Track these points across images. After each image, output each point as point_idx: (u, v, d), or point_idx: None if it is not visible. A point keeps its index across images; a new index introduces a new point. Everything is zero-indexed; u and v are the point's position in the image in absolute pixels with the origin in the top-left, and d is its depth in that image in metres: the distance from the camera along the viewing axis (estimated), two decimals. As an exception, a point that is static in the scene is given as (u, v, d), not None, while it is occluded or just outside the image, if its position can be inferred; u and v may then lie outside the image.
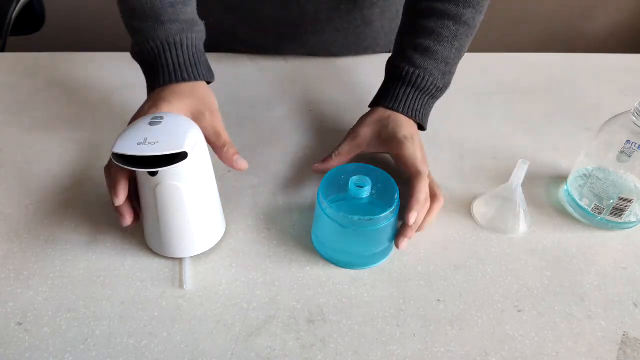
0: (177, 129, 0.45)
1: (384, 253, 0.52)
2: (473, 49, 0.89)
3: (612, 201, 0.54)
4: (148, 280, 0.49)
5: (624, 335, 0.47)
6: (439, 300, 0.49)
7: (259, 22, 0.79)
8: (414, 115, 0.60)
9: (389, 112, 0.60)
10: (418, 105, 0.60)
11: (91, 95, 0.73)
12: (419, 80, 0.59)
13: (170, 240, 0.49)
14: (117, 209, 0.48)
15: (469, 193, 0.60)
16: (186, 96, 0.54)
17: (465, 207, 0.59)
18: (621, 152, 0.53)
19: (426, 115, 0.62)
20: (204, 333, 0.45)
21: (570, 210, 0.59)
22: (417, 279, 0.51)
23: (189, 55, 0.56)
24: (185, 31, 0.56)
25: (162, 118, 0.45)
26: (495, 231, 0.56)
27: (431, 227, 0.56)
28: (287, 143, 0.66)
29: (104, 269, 0.50)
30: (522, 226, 0.56)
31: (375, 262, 0.52)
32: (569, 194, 0.59)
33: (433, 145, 0.67)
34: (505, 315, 0.48)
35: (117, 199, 0.47)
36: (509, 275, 0.51)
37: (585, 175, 0.57)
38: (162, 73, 0.55)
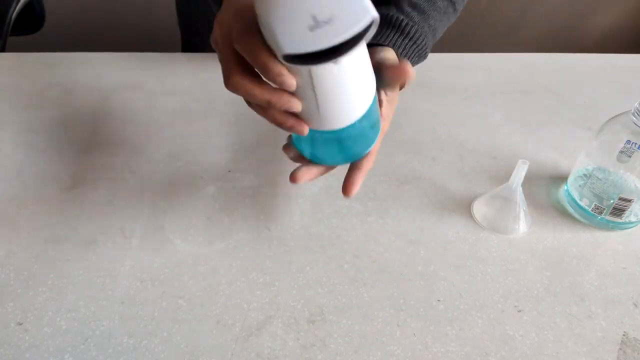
0: None
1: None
2: (473, 49, 0.89)
3: (612, 201, 0.54)
4: (148, 280, 0.49)
5: (624, 335, 0.47)
6: (439, 300, 0.49)
7: None
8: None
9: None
10: (415, 58, 0.57)
11: (91, 95, 0.73)
12: (417, 35, 0.56)
13: (330, 115, 0.40)
14: (277, 101, 0.39)
15: (469, 193, 0.60)
16: None
17: (465, 207, 0.59)
18: (621, 152, 0.53)
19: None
20: (204, 333, 0.45)
21: (570, 210, 0.59)
22: (417, 279, 0.51)
23: None
24: None
25: None
26: (495, 231, 0.56)
27: (431, 227, 0.56)
28: (287, 143, 0.66)
29: (104, 269, 0.50)
30: (522, 226, 0.56)
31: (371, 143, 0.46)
32: (569, 194, 0.59)
33: (433, 145, 0.67)
34: (505, 315, 0.48)
35: (286, 77, 0.36)
36: (509, 275, 0.51)
37: (585, 175, 0.57)
38: None
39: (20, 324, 0.45)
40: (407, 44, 0.56)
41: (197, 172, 0.61)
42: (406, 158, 0.65)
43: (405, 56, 0.56)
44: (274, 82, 0.37)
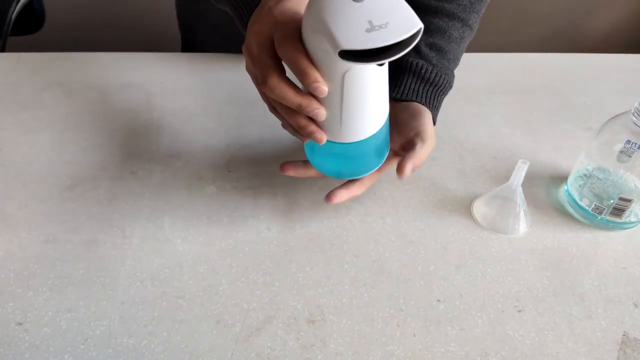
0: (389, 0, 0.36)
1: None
2: (473, 49, 0.89)
3: (612, 201, 0.54)
4: (148, 280, 0.49)
5: (624, 335, 0.47)
6: (439, 300, 0.49)
7: None
8: (431, 110, 0.59)
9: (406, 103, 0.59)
10: (436, 102, 0.60)
11: (91, 95, 0.73)
12: (438, 78, 0.60)
13: (351, 125, 0.44)
14: (307, 105, 0.42)
15: (469, 193, 0.60)
16: None
17: (465, 207, 0.59)
18: (621, 152, 0.53)
19: (438, 110, 0.61)
20: (204, 333, 0.45)
21: (570, 210, 0.59)
22: (417, 279, 0.51)
23: None
24: None
25: None
26: (495, 231, 0.56)
27: (431, 228, 0.56)
28: (287, 143, 0.66)
29: (104, 269, 0.50)
30: (522, 226, 0.56)
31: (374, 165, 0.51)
32: (569, 194, 0.59)
33: (433, 145, 0.67)
34: (505, 315, 0.48)
35: (321, 84, 0.40)
36: (509, 275, 0.51)
37: (585, 175, 0.57)
38: None
39: (20, 324, 0.45)
40: (428, 90, 0.59)
41: (197, 172, 0.61)
42: (406, 158, 0.65)
43: (427, 101, 0.58)
44: (309, 87, 0.40)
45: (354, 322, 0.47)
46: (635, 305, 0.49)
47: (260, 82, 0.44)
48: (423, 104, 0.58)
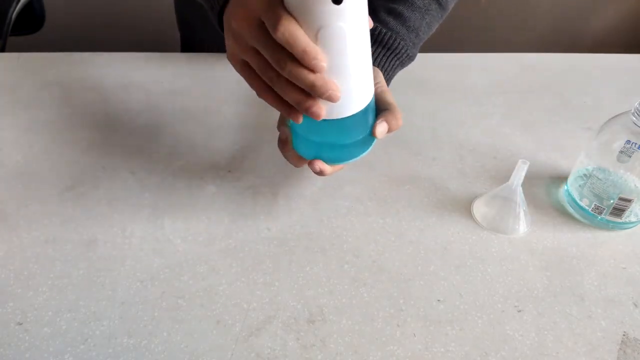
0: None
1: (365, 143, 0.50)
2: (473, 49, 0.89)
3: (612, 201, 0.54)
4: (148, 280, 0.49)
5: (624, 335, 0.47)
6: (439, 300, 0.49)
7: None
8: (385, 76, 0.57)
9: None
10: (388, 67, 0.58)
11: (91, 95, 0.73)
12: (391, 41, 0.58)
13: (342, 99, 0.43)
14: (322, 85, 0.40)
15: (469, 193, 0.60)
16: None
17: (465, 207, 0.59)
18: (621, 152, 0.53)
19: (390, 79, 0.60)
20: (204, 333, 0.45)
21: (570, 210, 0.59)
22: (417, 279, 0.51)
23: None
24: None
25: None
26: (495, 231, 0.56)
27: (431, 228, 0.56)
28: (287, 143, 0.66)
29: (104, 269, 0.50)
30: (522, 226, 0.56)
31: (359, 152, 0.50)
32: (569, 194, 0.59)
33: (433, 145, 0.67)
34: (505, 315, 0.48)
35: (321, 60, 0.39)
36: (509, 275, 0.51)
37: (585, 175, 0.57)
38: None
39: (20, 324, 0.45)
40: (386, 55, 0.57)
41: (197, 172, 0.61)
42: (406, 158, 0.65)
43: (385, 68, 0.57)
44: (309, 63, 0.39)
45: (354, 322, 0.47)
46: (635, 305, 0.49)
47: (272, 30, 0.40)
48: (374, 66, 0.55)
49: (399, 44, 0.58)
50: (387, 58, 0.58)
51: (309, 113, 0.42)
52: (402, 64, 0.60)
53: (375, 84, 0.52)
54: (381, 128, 0.48)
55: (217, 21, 0.50)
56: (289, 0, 0.39)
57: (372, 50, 0.54)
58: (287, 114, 0.45)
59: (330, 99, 0.41)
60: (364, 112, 0.46)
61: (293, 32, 0.39)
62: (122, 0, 1.75)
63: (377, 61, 0.57)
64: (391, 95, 0.52)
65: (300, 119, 0.44)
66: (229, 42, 0.46)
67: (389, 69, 0.58)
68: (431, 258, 0.53)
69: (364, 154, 0.50)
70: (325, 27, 0.39)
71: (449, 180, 0.62)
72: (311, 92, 0.41)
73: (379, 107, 0.51)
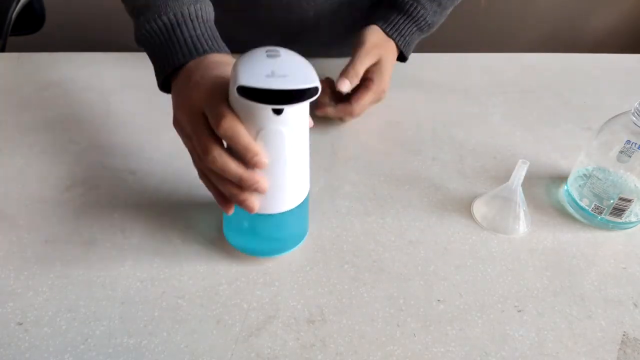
0: (299, 62, 0.41)
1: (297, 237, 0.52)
2: (473, 49, 0.89)
3: (612, 201, 0.54)
4: (148, 280, 0.49)
5: (624, 335, 0.47)
6: (439, 300, 0.49)
7: (259, 25, 0.79)
8: (399, 40, 0.64)
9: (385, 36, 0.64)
10: (405, 32, 0.63)
11: (91, 95, 0.73)
12: (412, 9, 0.63)
13: (275, 197, 0.46)
14: (249, 178, 0.42)
15: (469, 193, 0.60)
16: (225, 64, 0.48)
17: (465, 207, 0.59)
18: (621, 152, 0.53)
19: (409, 45, 0.65)
20: (204, 333, 0.45)
21: (571, 210, 0.59)
22: (417, 279, 0.51)
23: (207, 26, 0.51)
24: (199, 1, 0.52)
25: (278, 51, 0.41)
26: (495, 231, 0.56)
27: (431, 227, 0.56)
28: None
29: (104, 269, 0.50)
30: (522, 226, 0.56)
31: (289, 247, 0.51)
32: (569, 194, 0.59)
33: (433, 145, 0.67)
34: (505, 315, 0.48)
35: (262, 157, 0.41)
36: (509, 275, 0.51)
37: (585, 175, 0.57)
38: (183, 46, 0.49)
39: (20, 324, 0.45)
40: (405, 22, 0.63)
41: (197, 172, 0.61)
42: (406, 158, 0.65)
43: (403, 33, 0.61)
44: (251, 159, 0.41)
45: (354, 322, 0.47)
46: (635, 305, 0.49)
47: (201, 155, 0.43)
48: (379, 25, 0.63)
49: (419, 11, 0.62)
50: (406, 24, 0.63)
51: (243, 206, 0.44)
52: (421, 31, 0.65)
53: (372, 47, 0.61)
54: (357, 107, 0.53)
55: (160, 85, 0.52)
56: (234, 101, 0.41)
57: (392, 16, 0.64)
58: (221, 205, 0.46)
59: (258, 190, 0.43)
60: (299, 208, 0.48)
61: (236, 128, 0.41)
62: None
63: (395, 26, 0.63)
64: (387, 64, 0.58)
65: (232, 211, 0.46)
66: (174, 126, 0.48)
67: (406, 34, 0.63)
68: (431, 258, 0.53)
69: (295, 248, 0.52)
70: (266, 129, 0.41)
71: (449, 180, 0.62)
72: (239, 184, 0.43)
73: (366, 75, 0.59)
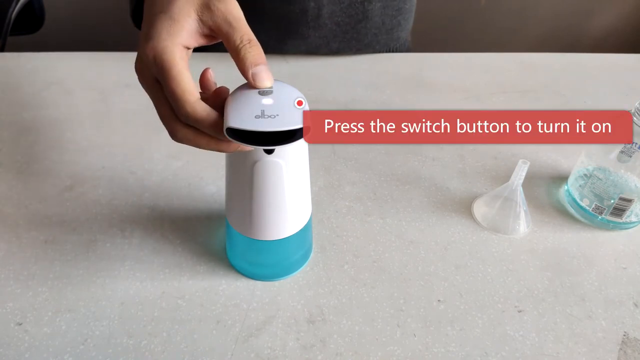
0: (293, 98, 0.40)
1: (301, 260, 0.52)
2: (473, 49, 0.89)
3: (612, 201, 0.54)
4: (148, 280, 0.49)
5: (624, 335, 0.47)
6: (439, 301, 0.49)
7: (260, 17, 0.79)
8: None
9: None
10: None
11: (91, 95, 0.73)
12: None
13: (259, 221, 0.46)
14: (227, 148, 0.41)
15: (469, 193, 0.60)
16: None
17: (465, 207, 0.59)
18: (621, 152, 0.53)
19: None
20: (204, 333, 0.45)
21: (571, 210, 0.59)
22: (417, 279, 0.51)
23: None
24: None
25: (271, 89, 0.40)
26: (496, 231, 0.56)
27: (431, 227, 0.56)
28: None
29: (104, 269, 0.50)
30: (523, 226, 0.56)
31: (293, 270, 0.51)
32: (570, 194, 0.59)
33: (433, 145, 0.67)
34: (505, 315, 0.48)
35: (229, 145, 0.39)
36: (509, 275, 0.51)
37: (585, 175, 0.57)
38: None
39: (20, 324, 0.45)
40: None
41: (197, 172, 0.61)
42: (406, 158, 0.65)
43: None
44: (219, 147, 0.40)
45: (354, 322, 0.47)
46: (636, 305, 0.49)
47: (169, 133, 0.41)
48: None
49: None
50: None
51: (220, 150, 0.41)
52: None
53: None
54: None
55: (131, 14, 0.45)
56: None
57: None
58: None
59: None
60: (301, 231, 0.48)
61: (189, 136, 0.40)
62: (122, 0, 1.75)
63: None
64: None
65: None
66: (139, 50, 0.43)
67: None
68: (431, 258, 0.53)
69: (298, 271, 0.51)
70: (262, 160, 0.42)
71: (449, 180, 0.62)
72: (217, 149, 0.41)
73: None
